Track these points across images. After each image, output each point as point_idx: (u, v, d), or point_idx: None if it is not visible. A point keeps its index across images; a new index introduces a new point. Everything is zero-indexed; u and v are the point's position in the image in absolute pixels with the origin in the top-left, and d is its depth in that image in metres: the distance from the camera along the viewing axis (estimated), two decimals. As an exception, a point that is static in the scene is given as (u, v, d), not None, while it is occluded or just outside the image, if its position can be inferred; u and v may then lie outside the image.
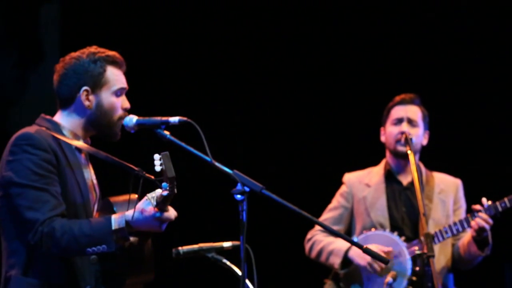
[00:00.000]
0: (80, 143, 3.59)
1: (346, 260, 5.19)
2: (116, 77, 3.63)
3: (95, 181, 3.70)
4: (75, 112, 3.62)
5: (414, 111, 5.25)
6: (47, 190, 3.41)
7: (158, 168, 3.25)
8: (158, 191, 3.34)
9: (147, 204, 3.36)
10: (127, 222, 3.37)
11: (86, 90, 3.59)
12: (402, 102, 5.27)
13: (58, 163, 3.47)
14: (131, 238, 3.44)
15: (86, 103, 3.59)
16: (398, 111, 5.25)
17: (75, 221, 3.40)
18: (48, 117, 3.63)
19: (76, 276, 3.51)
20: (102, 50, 3.66)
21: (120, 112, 3.63)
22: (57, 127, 3.59)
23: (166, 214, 3.36)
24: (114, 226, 3.36)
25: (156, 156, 3.25)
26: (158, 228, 3.40)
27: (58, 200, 3.42)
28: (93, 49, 3.65)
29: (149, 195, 3.34)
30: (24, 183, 3.40)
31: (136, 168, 3.48)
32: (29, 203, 3.39)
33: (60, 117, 3.64)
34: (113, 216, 3.39)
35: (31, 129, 3.52)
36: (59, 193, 3.44)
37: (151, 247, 3.58)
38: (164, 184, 3.26)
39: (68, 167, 3.51)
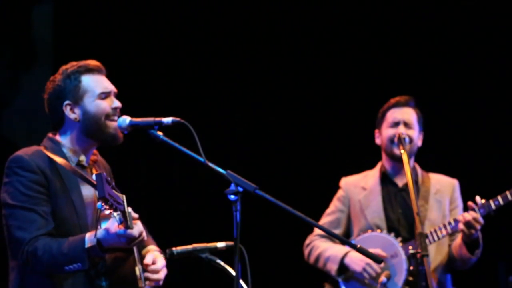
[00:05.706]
0: (64, 162, 3.62)
1: (343, 267, 5.20)
2: (94, 83, 3.70)
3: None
4: (68, 129, 3.71)
5: (410, 114, 5.24)
6: (35, 210, 3.52)
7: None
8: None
9: (112, 222, 3.40)
10: (98, 240, 3.42)
11: (69, 104, 3.68)
12: (398, 105, 5.26)
13: (48, 183, 3.57)
14: (108, 255, 3.52)
15: (72, 116, 3.68)
16: (394, 114, 5.24)
17: (56, 240, 3.49)
18: (51, 136, 3.74)
19: None
20: (74, 63, 3.73)
21: (108, 111, 3.67)
22: (58, 146, 3.69)
23: (128, 232, 3.38)
24: (87, 244, 3.43)
25: (93, 177, 3.30)
26: (125, 245, 3.45)
27: (45, 219, 3.53)
28: (68, 65, 3.74)
29: (115, 213, 3.36)
30: (14, 204, 3.54)
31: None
32: (19, 223, 3.52)
33: (60, 137, 3.74)
34: (87, 235, 3.46)
35: (25, 151, 3.64)
36: (48, 212, 3.55)
37: (133, 263, 3.60)
38: (98, 204, 3.27)
39: (61, 186, 3.60)
